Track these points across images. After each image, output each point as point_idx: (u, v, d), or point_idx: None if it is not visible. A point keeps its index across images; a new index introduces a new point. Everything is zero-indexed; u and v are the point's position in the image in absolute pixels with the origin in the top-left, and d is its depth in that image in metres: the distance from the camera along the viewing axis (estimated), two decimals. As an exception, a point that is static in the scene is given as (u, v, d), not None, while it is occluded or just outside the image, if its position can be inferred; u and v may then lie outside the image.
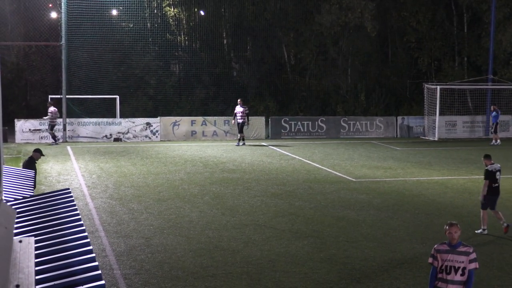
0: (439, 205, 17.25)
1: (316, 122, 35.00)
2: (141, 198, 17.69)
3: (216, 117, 33.62)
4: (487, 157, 14.68)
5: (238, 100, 31.01)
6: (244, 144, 30.33)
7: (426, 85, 36.22)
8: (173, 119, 33.36)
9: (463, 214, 16.32)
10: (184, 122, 33.27)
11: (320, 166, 24.04)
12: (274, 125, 34.26)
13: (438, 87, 35.19)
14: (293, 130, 34.50)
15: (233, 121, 31.03)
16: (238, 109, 30.51)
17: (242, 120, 30.42)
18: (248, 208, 16.54)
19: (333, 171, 22.82)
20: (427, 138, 35.29)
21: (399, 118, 36.54)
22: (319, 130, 34.85)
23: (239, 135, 30.64)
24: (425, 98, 36.19)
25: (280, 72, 43.30)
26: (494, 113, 33.40)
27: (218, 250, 12.70)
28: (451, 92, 38.29)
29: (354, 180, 21.09)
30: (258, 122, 34.14)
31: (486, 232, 14.38)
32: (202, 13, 42.29)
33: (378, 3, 41.43)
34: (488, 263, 12.12)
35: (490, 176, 14.34)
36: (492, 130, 33.53)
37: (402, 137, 35.61)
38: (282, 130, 34.34)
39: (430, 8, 42.54)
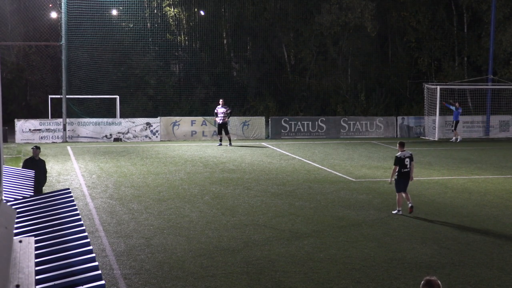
0: (439, 205, 17.25)
1: (316, 122, 34.99)
2: (141, 198, 17.69)
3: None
4: (401, 144, 16.53)
5: (220, 101, 30.74)
6: (229, 145, 29.97)
7: (426, 85, 36.22)
8: (173, 119, 33.35)
9: (463, 214, 16.32)
10: (184, 122, 33.27)
11: (320, 166, 24.04)
12: (274, 125, 34.25)
13: (438, 87, 35.20)
14: (293, 130, 34.50)
15: (216, 119, 30.72)
16: (220, 109, 30.23)
17: (222, 121, 30.23)
18: (248, 208, 16.54)
19: (333, 171, 22.81)
20: (427, 138, 35.29)
21: (399, 118, 36.54)
22: (319, 130, 34.84)
23: (219, 136, 30.45)
24: (425, 98, 36.20)
25: (280, 72, 43.29)
26: (459, 110, 33.76)
27: (218, 250, 12.70)
28: (451, 92, 38.29)
29: (354, 180, 21.09)
30: (258, 122, 34.14)
31: (401, 212, 15.96)
32: (202, 13, 42.29)
33: (378, 3, 41.41)
34: (488, 263, 12.13)
35: (399, 162, 16.05)
36: (453, 128, 34.09)
37: (402, 137, 35.57)
38: (282, 130, 34.33)
39: (430, 8, 42.54)
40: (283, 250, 12.80)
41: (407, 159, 16.06)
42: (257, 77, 42.26)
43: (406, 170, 16.01)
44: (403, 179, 16.02)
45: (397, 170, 16.07)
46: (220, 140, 30.37)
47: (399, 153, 16.23)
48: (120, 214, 15.76)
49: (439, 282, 6.31)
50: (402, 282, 11.00)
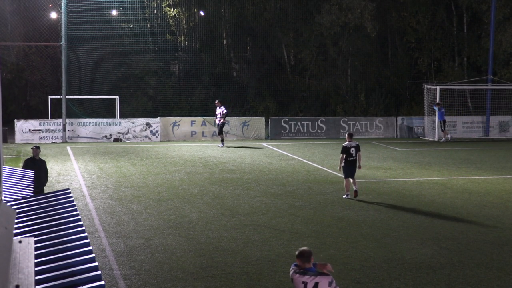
0: (439, 206, 17.25)
1: (316, 123, 35.00)
2: (141, 198, 17.69)
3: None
4: (349, 135, 18.08)
5: (216, 102, 30.48)
6: (223, 146, 29.88)
7: (426, 86, 36.22)
8: (173, 119, 33.35)
9: (463, 214, 16.32)
10: (184, 123, 33.27)
11: (320, 167, 24.04)
12: (274, 126, 34.25)
13: (438, 87, 35.20)
14: (293, 130, 34.50)
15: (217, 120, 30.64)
16: (218, 110, 30.10)
17: (219, 121, 30.04)
18: (248, 209, 16.53)
19: (333, 172, 22.80)
20: (427, 138, 35.29)
21: (399, 118, 36.53)
22: (319, 131, 34.85)
23: (220, 136, 30.32)
24: (425, 98, 36.20)
25: (280, 72, 43.30)
26: (441, 110, 33.72)
27: (218, 251, 12.70)
28: (451, 93, 38.30)
29: (354, 180, 21.08)
30: (258, 123, 34.15)
31: (349, 196, 17.73)
32: (202, 13, 42.31)
33: (378, 3, 41.44)
34: (488, 263, 12.12)
35: (344, 151, 17.69)
36: (442, 128, 33.96)
37: (402, 138, 35.61)
38: (282, 131, 34.33)
39: (430, 8, 42.56)
40: (283, 250, 12.80)
41: (353, 149, 17.68)
42: (257, 78, 42.27)
43: (351, 158, 17.66)
44: (349, 166, 17.66)
45: (344, 158, 17.65)
46: (222, 141, 30.26)
47: (346, 143, 17.81)
48: (120, 214, 15.76)
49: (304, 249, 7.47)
50: (402, 283, 11.00)
